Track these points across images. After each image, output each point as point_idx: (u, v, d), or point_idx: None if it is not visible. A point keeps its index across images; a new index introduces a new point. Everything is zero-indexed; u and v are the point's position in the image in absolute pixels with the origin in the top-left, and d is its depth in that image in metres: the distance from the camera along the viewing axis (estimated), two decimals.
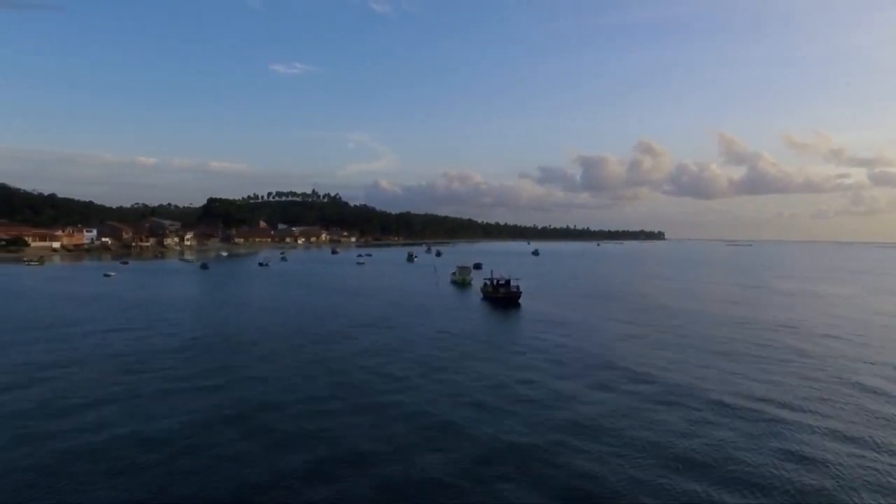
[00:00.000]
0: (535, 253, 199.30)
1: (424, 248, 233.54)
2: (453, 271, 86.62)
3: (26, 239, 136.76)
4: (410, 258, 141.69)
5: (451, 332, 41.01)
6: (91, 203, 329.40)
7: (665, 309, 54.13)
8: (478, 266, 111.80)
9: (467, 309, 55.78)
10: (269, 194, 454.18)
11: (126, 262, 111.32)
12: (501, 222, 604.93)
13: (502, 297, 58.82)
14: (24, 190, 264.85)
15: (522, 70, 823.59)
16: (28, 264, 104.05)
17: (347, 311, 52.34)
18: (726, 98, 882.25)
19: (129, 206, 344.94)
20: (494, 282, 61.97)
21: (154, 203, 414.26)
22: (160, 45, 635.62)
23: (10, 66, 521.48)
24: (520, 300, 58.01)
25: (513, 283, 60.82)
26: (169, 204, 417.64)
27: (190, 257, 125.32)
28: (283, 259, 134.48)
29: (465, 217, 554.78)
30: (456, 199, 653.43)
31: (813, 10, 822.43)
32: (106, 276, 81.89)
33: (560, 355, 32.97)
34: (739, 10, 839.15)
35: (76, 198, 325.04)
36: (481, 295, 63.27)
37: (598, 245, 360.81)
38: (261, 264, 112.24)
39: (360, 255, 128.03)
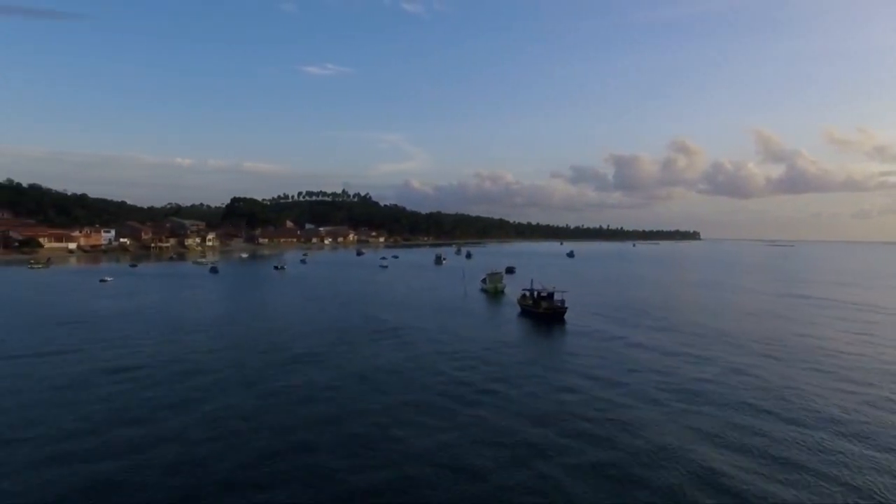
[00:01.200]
0: (571, 255, 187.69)
1: (454, 248, 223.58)
2: (483, 277, 76.51)
3: (40, 240, 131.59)
4: (438, 261, 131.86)
5: (482, 366, 30.87)
6: (124, 203, 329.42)
7: (741, 325, 43.05)
8: (510, 270, 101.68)
9: (501, 326, 45.71)
10: (300, 194, 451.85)
11: (135, 265, 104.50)
12: (533, 222, 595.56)
13: (544, 314, 48.51)
14: (55, 190, 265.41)
15: (555, 68, 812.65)
16: (31, 267, 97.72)
17: (353, 328, 42.76)
18: (764, 95, 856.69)
19: (161, 206, 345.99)
20: (535, 293, 51.75)
21: (187, 203, 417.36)
22: (196, 48, 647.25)
23: (54, 73, 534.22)
24: (564, 316, 47.73)
25: (556, 295, 50.40)
26: (201, 204, 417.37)
27: (203, 259, 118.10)
28: (303, 261, 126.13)
29: (497, 217, 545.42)
30: (487, 198, 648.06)
31: (854, 3, 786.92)
32: (102, 281, 74.39)
33: (637, 400, 22.96)
34: (778, 5, 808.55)
35: (108, 198, 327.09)
36: (518, 308, 53.12)
37: (634, 246, 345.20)
38: (276, 268, 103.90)
39: (383, 258, 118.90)
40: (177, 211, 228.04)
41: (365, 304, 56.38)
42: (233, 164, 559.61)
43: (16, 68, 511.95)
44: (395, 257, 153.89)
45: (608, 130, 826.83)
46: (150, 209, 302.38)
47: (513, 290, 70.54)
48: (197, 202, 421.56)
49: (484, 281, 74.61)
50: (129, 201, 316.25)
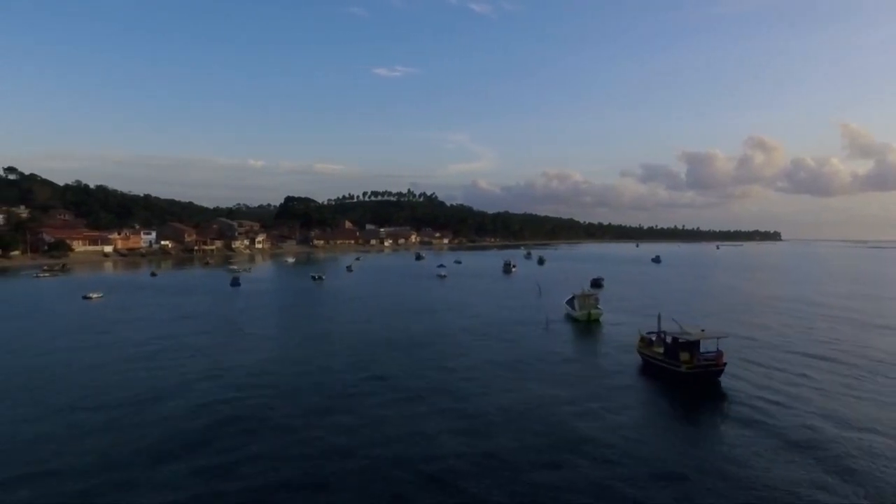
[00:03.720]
0: (657, 260, 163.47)
1: (523, 251, 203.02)
2: (570, 298, 57.00)
3: (71, 242, 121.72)
4: (507, 269, 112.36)
5: None
6: (191, 204, 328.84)
7: None
8: (597, 283, 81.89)
9: (613, 397, 26.33)
10: (364, 194, 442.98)
11: (155, 275, 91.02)
12: (603, 222, 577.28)
13: (688, 376, 28.72)
14: (119, 191, 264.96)
15: (624, 64, 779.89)
16: (37, 276, 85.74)
17: (372, 404, 24.38)
18: (849, 87, 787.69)
19: (230, 207, 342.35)
20: (667, 338, 31.80)
21: (255, 204, 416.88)
22: (268, 52, 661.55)
23: (132, 78, 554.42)
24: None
25: (707, 344, 30.45)
26: (268, 205, 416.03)
27: (235, 266, 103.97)
28: (349, 269, 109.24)
29: (565, 217, 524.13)
30: (554, 198, 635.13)
31: None
32: (86, 298, 60.16)
33: None
34: None
35: (177, 199, 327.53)
36: (638, 359, 33.57)
37: (718, 248, 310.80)
38: (314, 278, 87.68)
39: (441, 267, 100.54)
40: (229, 212, 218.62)
41: (403, 347, 38.13)
42: (304, 165, 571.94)
43: (96, 74, 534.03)
44: (458, 263, 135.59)
45: (680, 127, 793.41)
46: (216, 209, 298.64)
47: (612, 317, 50.84)
48: (265, 203, 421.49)
49: (571, 303, 54.91)
50: (199, 202, 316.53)
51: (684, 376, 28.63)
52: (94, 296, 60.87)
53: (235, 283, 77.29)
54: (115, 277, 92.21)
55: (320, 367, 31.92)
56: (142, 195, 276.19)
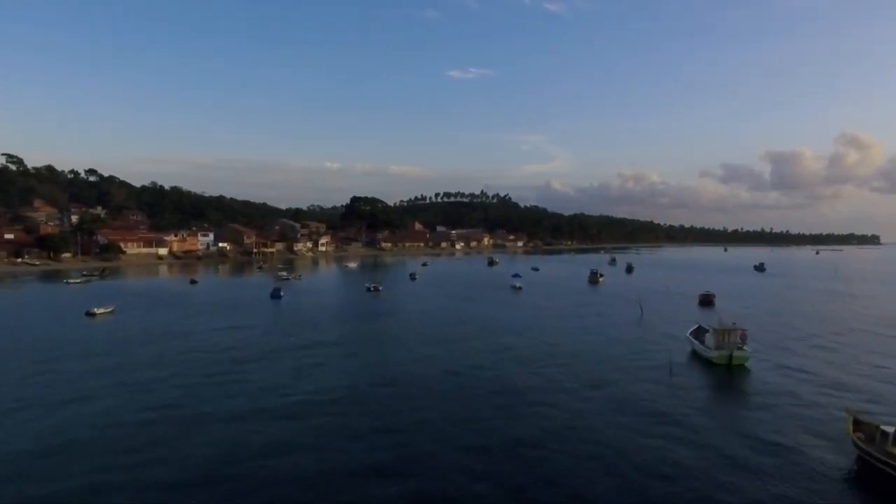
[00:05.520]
0: (760, 268, 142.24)
1: (606, 256, 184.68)
2: (695, 328, 42.03)
3: (122, 245, 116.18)
4: (594, 278, 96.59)
5: None
6: (264, 205, 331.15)
7: None
8: (708, 301, 67.10)
9: None
10: (437, 195, 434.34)
11: (195, 282, 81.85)
12: (683, 224, 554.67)
13: None
14: (193, 192, 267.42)
15: (703, 60, 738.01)
16: (68, 283, 78.34)
17: None
18: None
19: (303, 208, 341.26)
20: None
21: (328, 205, 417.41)
22: (343, 55, 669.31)
23: (217, 82, 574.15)
24: None
25: None
26: (342, 206, 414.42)
27: (285, 273, 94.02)
28: (412, 278, 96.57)
29: (642, 219, 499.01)
30: (630, 199, 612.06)
31: None
32: (89, 315, 50.43)
33: None
34: None
35: (253, 200, 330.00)
36: (852, 456, 18.54)
37: (818, 253, 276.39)
38: (369, 289, 75.69)
39: (517, 276, 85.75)
40: (296, 213, 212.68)
41: (467, 402, 24.80)
42: (378, 167, 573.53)
43: (191, 81, 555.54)
44: (535, 270, 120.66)
45: (764, 125, 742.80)
46: (287, 210, 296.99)
47: (761, 360, 35.51)
48: (339, 205, 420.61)
49: (699, 337, 39.87)
50: (273, 204, 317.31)
51: None
52: (101, 312, 51.22)
53: (276, 294, 66.34)
54: (152, 284, 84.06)
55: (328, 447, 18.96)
56: (215, 196, 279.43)
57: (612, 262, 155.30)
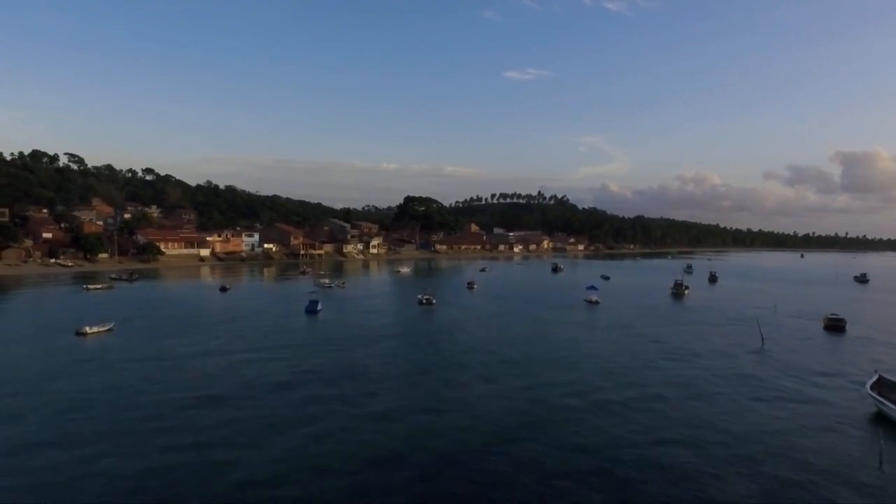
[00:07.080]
0: (863, 279, 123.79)
1: (676, 262, 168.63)
2: (874, 379, 28.94)
3: (161, 245, 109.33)
4: (679, 291, 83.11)
5: None
6: (319, 205, 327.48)
7: None
8: (837, 327, 53.82)
9: None
10: (493, 196, 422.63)
11: (225, 289, 72.79)
12: (750, 228, 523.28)
13: None
14: (246, 191, 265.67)
15: (769, 58, 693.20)
16: (87, 288, 70.48)
17: None
18: None
19: (358, 208, 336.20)
20: None
21: (383, 205, 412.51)
22: (402, 54, 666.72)
23: (281, 83, 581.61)
24: None
25: None
26: (395, 206, 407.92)
27: (327, 280, 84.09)
28: (469, 287, 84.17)
29: (703, 222, 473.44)
30: (690, 202, 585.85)
31: None
32: (79, 335, 41.25)
33: None
34: None
35: (309, 200, 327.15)
36: None
37: None
38: (421, 303, 64.61)
39: (592, 289, 72.88)
40: (346, 213, 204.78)
41: None
42: (434, 168, 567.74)
43: (254, 87, 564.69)
44: (606, 279, 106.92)
45: (834, 125, 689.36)
46: (342, 210, 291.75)
47: None
48: (393, 205, 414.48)
49: (884, 392, 26.96)
50: (328, 204, 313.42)
51: None
52: (93, 331, 41.87)
53: (312, 309, 55.97)
54: (179, 291, 75.35)
55: None
56: (269, 195, 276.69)
57: (689, 269, 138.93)
